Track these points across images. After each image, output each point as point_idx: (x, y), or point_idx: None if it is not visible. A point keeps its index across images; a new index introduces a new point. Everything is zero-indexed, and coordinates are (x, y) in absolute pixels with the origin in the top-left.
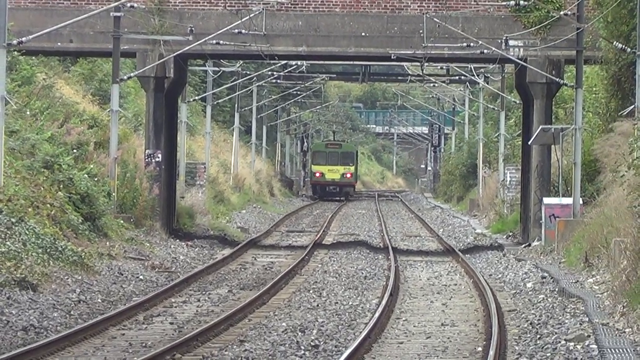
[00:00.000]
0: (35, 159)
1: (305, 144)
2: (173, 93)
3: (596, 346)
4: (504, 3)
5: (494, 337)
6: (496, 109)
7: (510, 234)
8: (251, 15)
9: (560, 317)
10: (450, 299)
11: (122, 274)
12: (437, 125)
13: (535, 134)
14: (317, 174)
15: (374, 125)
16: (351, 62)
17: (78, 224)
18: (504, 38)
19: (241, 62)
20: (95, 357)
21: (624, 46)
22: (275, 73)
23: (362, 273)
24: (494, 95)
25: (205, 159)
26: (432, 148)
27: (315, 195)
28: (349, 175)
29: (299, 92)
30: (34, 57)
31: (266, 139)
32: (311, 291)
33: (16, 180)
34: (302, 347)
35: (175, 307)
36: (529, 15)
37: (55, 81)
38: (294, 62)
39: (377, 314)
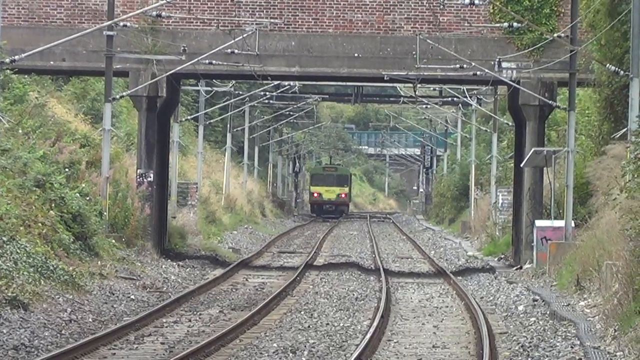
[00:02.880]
0: (27, 178)
1: (297, 164)
2: (165, 112)
3: None
4: (497, 25)
5: (485, 359)
6: (488, 130)
7: (502, 256)
8: (244, 35)
9: (551, 340)
10: (441, 321)
11: (114, 294)
12: (429, 147)
13: (528, 156)
14: (315, 194)
15: (366, 147)
16: (344, 83)
17: (69, 243)
18: (497, 60)
19: (234, 82)
20: None
21: (617, 69)
22: (267, 93)
23: (354, 294)
24: (486, 117)
25: (197, 179)
26: (424, 170)
27: (313, 213)
28: (343, 196)
29: (291, 113)
30: (26, 76)
31: (258, 160)
32: (302, 312)
33: (8, 199)
34: None
35: (166, 327)
36: (522, 37)
37: (47, 100)
38: (286, 83)
39: (368, 336)
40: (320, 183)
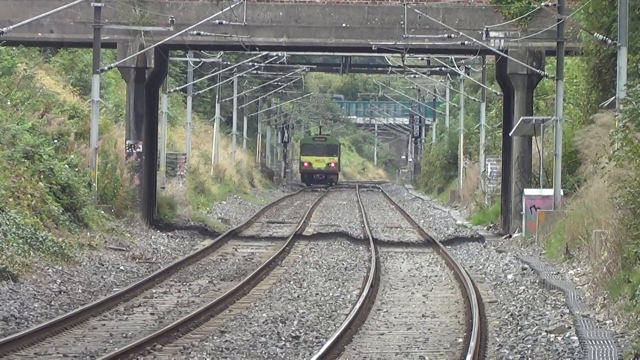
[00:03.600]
0: (15, 149)
1: (286, 135)
2: (154, 84)
3: (577, 338)
4: None
5: (475, 328)
6: (477, 100)
7: (491, 225)
8: (232, 6)
9: (541, 309)
10: (431, 291)
11: (103, 265)
12: (418, 117)
13: (516, 125)
14: (306, 164)
15: (355, 117)
16: (332, 53)
17: (59, 215)
18: (485, 29)
19: (222, 53)
20: (76, 348)
21: (604, 38)
22: (256, 64)
23: (343, 264)
24: (474, 87)
25: (185, 149)
26: (413, 139)
27: (303, 182)
28: (333, 165)
29: (279, 83)
30: (14, 48)
31: (247, 130)
32: (292, 282)
33: None
34: (283, 338)
35: (156, 297)
36: (510, 6)
37: (35, 71)
38: (274, 53)
39: (357, 305)
40: (310, 153)
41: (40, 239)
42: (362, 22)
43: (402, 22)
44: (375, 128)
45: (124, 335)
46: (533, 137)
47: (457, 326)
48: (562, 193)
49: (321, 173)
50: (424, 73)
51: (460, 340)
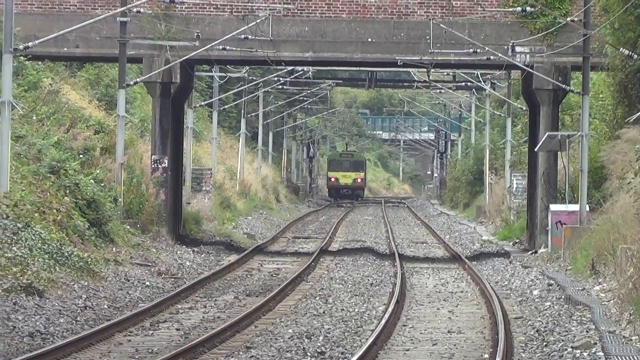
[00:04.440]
0: (41, 164)
1: (312, 150)
2: (179, 99)
3: (603, 354)
4: (510, 9)
5: (501, 344)
6: (502, 115)
7: (517, 240)
8: (257, 21)
9: (566, 325)
10: (456, 306)
11: (129, 280)
12: (444, 132)
13: (542, 140)
14: (333, 179)
15: (380, 132)
16: (357, 68)
17: (84, 230)
18: (511, 44)
19: (247, 67)
20: None
21: (630, 53)
22: (281, 79)
23: (369, 280)
24: (500, 102)
25: (211, 164)
26: (439, 154)
27: (330, 197)
28: (359, 180)
29: (305, 98)
30: (40, 62)
31: (272, 145)
32: (317, 298)
33: (22, 186)
34: (309, 354)
35: (182, 313)
36: (536, 21)
37: (61, 86)
38: (300, 68)
39: (383, 321)
40: (337, 168)
41: (66, 254)
42: (388, 37)
43: (427, 37)
44: (400, 143)
45: (150, 350)
46: (559, 153)
47: (483, 342)
48: (587, 208)
49: (348, 188)
50: (450, 88)
51: (486, 356)
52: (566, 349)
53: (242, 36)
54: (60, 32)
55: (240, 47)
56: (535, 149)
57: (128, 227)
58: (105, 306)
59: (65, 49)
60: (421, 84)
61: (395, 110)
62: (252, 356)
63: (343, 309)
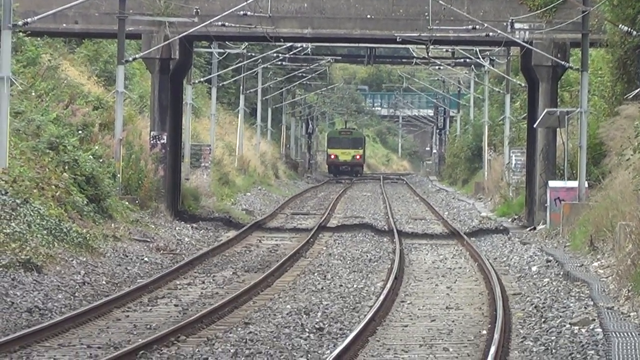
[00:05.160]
0: (40, 140)
1: (311, 126)
2: (178, 75)
3: (601, 330)
4: None
5: (499, 320)
6: (501, 91)
7: (516, 217)
8: None
9: (565, 301)
10: (455, 282)
11: (127, 256)
12: (443, 108)
13: (541, 117)
14: (332, 156)
15: (379, 108)
16: (356, 45)
17: (83, 206)
18: (510, 21)
19: (246, 44)
20: (100, 339)
21: (629, 29)
22: (280, 55)
23: (367, 256)
24: (499, 78)
25: (210, 140)
26: (438, 131)
27: (330, 173)
28: (358, 157)
29: (304, 74)
30: (39, 38)
31: (271, 121)
32: (316, 274)
33: (21, 162)
34: (307, 330)
35: (180, 289)
36: None
37: (60, 62)
38: (299, 44)
39: (381, 297)
40: (337, 145)
41: (65, 230)
42: (387, 13)
43: (426, 14)
44: (399, 119)
45: (148, 326)
46: (558, 129)
47: (481, 318)
48: (586, 185)
49: (347, 165)
50: (449, 64)
51: (484, 332)
52: (564, 325)
53: (241, 12)
54: (59, 8)
55: (239, 24)
56: (534, 126)
57: (127, 203)
58: (104, 282)
59: (64, 24)
60: (420, 61)
61: (394, 87)
62: (250, 332)
63: (341, 285)
